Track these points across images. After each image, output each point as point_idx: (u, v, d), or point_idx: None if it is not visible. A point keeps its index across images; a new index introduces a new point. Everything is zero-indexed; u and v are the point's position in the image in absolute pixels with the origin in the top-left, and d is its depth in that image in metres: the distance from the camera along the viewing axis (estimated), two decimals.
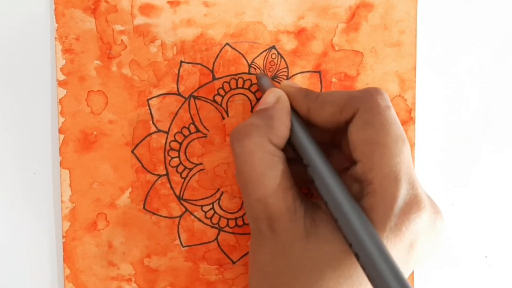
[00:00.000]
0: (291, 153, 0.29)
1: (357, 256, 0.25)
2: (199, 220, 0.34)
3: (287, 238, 0.27)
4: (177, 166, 0.34)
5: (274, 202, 0.27)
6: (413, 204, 0.26)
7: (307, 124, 0.30)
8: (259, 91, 0.33)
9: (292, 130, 0.29)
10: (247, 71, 0.33)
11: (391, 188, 0.26)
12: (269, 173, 0.27)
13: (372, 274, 0.24)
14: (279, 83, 0.33)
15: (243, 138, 0.28)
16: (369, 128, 0.27)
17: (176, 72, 0.33)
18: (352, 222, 0.25)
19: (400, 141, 0.27)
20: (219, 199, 0.34)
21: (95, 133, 0.33)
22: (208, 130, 0.34)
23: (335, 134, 0.30)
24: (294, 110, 0.30)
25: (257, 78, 0.33)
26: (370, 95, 0.28)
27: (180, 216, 0.34)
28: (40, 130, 0.33)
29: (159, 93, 0.33)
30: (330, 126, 0.29)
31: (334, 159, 0.30)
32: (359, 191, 0.27)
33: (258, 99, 0.34)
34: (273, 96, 0.30)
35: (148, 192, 0.34)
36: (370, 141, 0.27)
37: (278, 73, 0.34)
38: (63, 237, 0.33)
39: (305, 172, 0.28)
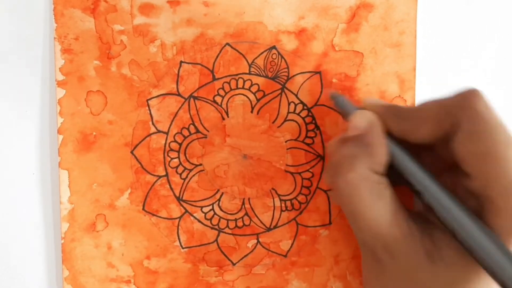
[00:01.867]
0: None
1: (496, 278, 0.24)
2: (199, 221, 0.34)
3: (409, 262, 0.26)
4: (176, 167, 0.33)
5: (388, 229, 0.26)
6: None
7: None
8: (260, 92, 0.33)
9: (391, 154, 0.28)
10: (247, 71, 0.33)
11: None
12: (379, 204, 0.26)
13: None
14: (280, 84, 0.33)
15: (347, 173, 0.27)
16: (477, 139, 0.25)
17: (176, 72, 0.33)
18: (488, 250, 0.24)
19: (511, 145, 0.25)
20: (219, 200, 0.34)
21: (94, 133, 0.33)
22: (208, 131, 0.33)
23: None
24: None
25: (332, 97, 0.31)
26: (468, 101, 0.25)
27: (180, 217, 0.34)
28: (39, 131, 0.33)
29: (158, 94, 0.33)
30: (427, 142, 0.27)
31: (426, 161, 0.28)
32: (477, 205, 0.26)
33: (258, 100, 0.33)
34: (365, 120, 0.28)
35: (147, 193, 0.33)
36: (481, 154, 0.25)
37: (278, 73, 0.33)
38: (62, 238, 0.33)
39: (415, 195, 0.28)
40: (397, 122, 0.28)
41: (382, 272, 0.28)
